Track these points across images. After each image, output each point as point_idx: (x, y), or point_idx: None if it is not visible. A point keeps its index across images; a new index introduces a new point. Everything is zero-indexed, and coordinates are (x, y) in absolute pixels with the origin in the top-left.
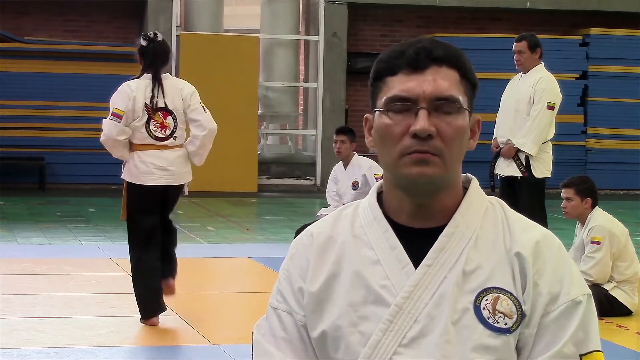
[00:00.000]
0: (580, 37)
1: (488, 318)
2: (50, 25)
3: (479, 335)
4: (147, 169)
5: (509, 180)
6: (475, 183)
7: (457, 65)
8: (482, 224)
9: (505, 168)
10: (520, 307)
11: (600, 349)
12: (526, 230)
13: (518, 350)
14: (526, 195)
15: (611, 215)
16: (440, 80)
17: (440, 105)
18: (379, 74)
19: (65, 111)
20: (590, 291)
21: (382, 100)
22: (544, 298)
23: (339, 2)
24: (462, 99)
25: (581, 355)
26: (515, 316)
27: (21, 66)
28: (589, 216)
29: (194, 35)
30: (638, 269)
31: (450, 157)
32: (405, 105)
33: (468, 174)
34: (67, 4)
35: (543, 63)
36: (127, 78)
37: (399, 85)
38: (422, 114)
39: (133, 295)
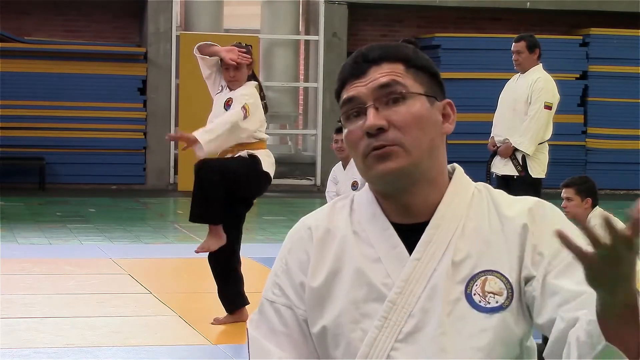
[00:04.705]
0: (580, 37)
1: (480, 302)
2: (50, 25)
3: (474, 320)
4: None
5: (505, 179)
6: (459, 172)
7: (398, 58)
8: (469, 212)
9: (502, 167)
10: (509, 282)
11: None
12: (515, 203)
13: (531, 308)
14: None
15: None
16: (379, 76)
17: (385, 94)
18: (337, 94)
19: (65, 111)
20: None
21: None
22: (547, 258)
23: (339, 2)
24: (409, 83)
25: None
26: (505, 292)
27: (21, 66)
28: (589, 216)
29: (194, 35)
30: (638, 268)
31: (413, 144)
32: (355, 107)
33: (454, 163)
34: (67, 4)
35: (542, 64)
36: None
37: (346, 93)
38: (370, 111)
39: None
